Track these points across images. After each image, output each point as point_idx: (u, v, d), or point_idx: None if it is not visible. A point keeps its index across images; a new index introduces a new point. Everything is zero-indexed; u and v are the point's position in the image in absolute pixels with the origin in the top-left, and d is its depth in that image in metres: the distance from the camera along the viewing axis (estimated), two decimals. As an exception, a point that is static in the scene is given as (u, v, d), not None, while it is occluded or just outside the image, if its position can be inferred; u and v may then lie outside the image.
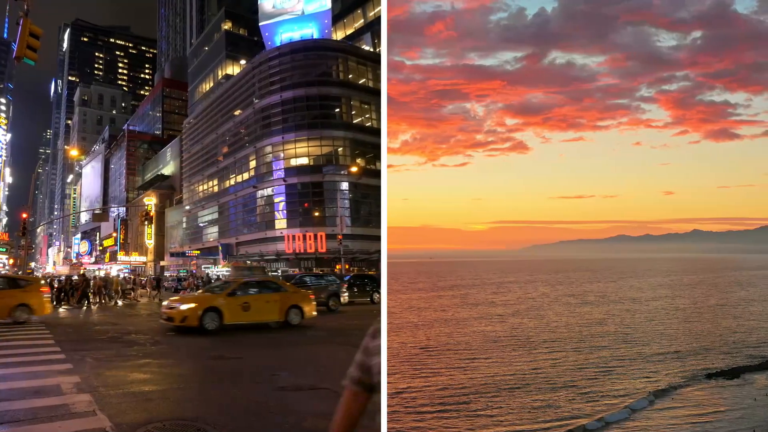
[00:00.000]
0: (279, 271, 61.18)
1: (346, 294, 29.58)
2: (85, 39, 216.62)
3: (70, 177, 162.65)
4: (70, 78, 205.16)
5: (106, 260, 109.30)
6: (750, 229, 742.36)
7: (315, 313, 20.77)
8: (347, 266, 57.07)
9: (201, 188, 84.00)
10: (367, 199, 64.89)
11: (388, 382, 12.84)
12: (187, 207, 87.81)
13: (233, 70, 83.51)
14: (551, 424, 10.64)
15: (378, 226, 63.54)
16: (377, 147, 65.93)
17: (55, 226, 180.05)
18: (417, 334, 21.51)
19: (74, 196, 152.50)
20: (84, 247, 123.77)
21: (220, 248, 70.04)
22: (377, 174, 64.81)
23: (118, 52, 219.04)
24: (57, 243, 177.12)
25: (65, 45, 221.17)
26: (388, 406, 11.22)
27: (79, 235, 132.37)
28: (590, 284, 53.96)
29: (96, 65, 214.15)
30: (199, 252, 78.24)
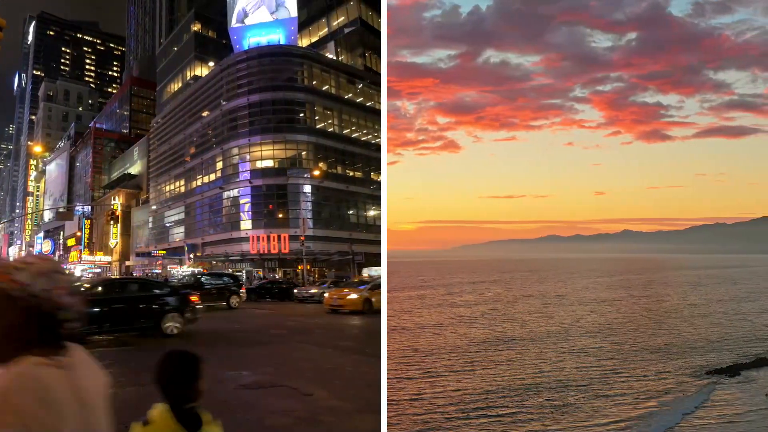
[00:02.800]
0: (243, 271, 59.47)
1: None
2: (51, 33, 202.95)
3: (33, 174, 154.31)
4: (34, 72, 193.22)
5: (70, 260, 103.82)
6: (680, 230, 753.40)
7: None
8: (308, 266, 56.15)
9: (168, 188, 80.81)
10: (328, 201, 63.95)
11: (397, 387, 11.11)
12: (154, 207, 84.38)
13: (202, 71, 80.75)
14: (588, 431, 9.14)
15: (338, 228, 62.67)
16: (339, 152, 65.48)
17: (16, 225, 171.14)
18: (396, 337, 19.81)
19: (37, 193, 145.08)
20: (47, 246, 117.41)
21: (186, 248, 67.27)
22: (339, 178, 64.29)
23: (85, 48, 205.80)
24: (18, 242, 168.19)
25: (30, 38, 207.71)
26: (412, 414, 9.57)
27: (41, 234, 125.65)
28: (540, 284, 52.76)
29: (62, 60, 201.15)
30: (165, 252, 75.08)
